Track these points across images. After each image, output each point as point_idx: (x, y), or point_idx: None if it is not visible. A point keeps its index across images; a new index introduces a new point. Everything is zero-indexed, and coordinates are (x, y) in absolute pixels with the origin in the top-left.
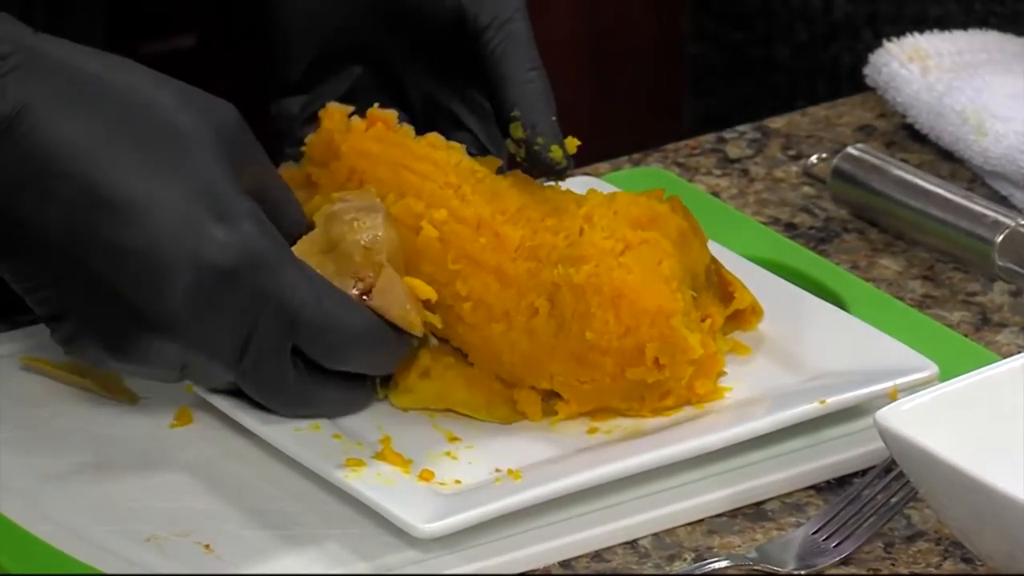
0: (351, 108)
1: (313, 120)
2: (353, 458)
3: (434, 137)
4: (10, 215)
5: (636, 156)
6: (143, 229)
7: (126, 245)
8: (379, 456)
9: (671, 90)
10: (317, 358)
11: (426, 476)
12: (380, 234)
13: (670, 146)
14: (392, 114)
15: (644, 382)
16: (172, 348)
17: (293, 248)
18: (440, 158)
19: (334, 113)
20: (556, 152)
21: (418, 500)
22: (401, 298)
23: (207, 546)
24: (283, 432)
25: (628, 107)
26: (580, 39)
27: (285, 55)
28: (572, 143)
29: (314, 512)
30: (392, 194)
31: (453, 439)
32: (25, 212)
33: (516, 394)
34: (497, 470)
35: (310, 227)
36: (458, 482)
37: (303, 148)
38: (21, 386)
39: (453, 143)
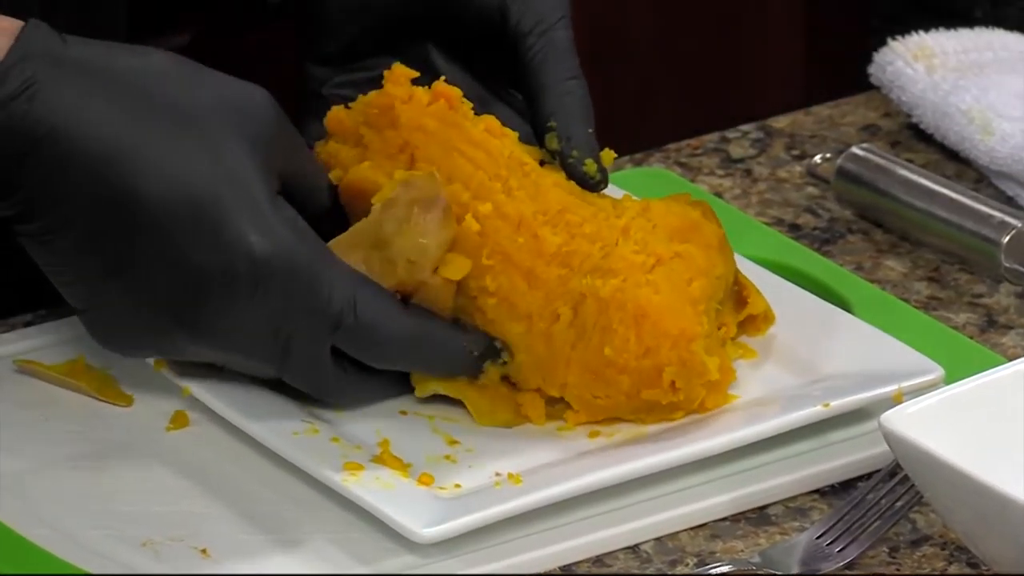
0: (416, 74)
1: (344, 88)
2: (351, 462)
3: (491, 121)
4: (47, 225)
5: (638, 156)
6: (177, 242)
7: (161, 256)
8: (377, 460)
9: (671, 89)
10: (362, 360)
11: (425, 480)
12: (429, 242)
13: (672, 146)
14: (457, 92)
15: (658, 402)
16: (209, 352)
17: (344, 235)
18: (494, 147)
19: (400, 76)
20: (590, 166)
21: (417, 504)
22: (439, 307)
23: (203, 550)
24: (281, 435)
25: (629, 106)
26: (580, 39)
27: (322, 30)
28: (608, 156)
29: (312, 516)
30: (440, 177)
31: (452, 442)
32: (62, 222)
33: (520, 397)
34: (497, 474)
35: (334, 207)
36: (458, 486)
37: (355, 104)
38: (14, 388)
39: (507, 130)
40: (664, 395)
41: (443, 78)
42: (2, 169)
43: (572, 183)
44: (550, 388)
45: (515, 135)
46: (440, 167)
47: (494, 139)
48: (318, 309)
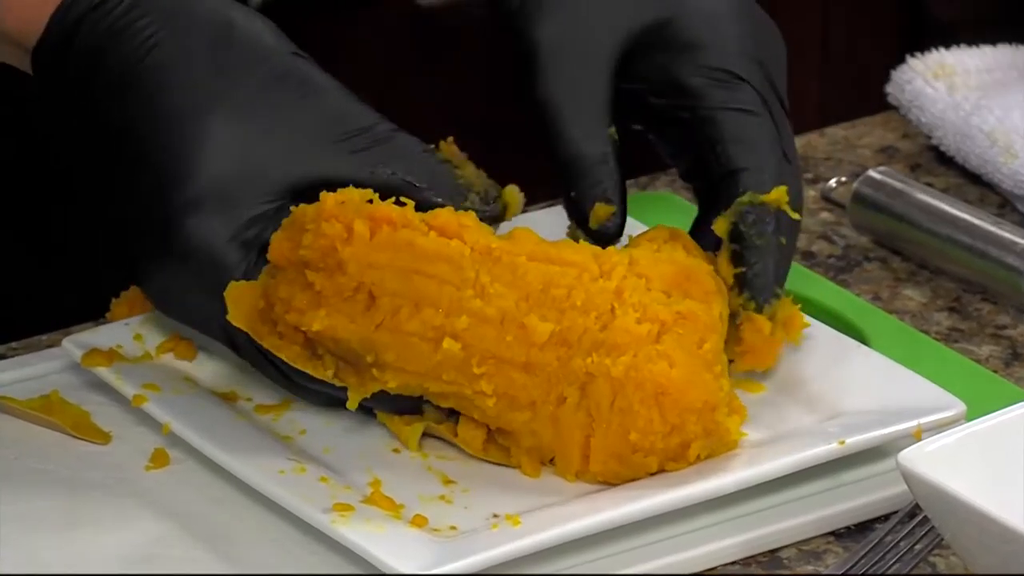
0: (349, 196)
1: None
2: (341, 502)
3: (444, 219)
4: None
5: (643, 179)
6: (149, 168)
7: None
8: (368, 500)
9: None
10: None
11: (419, 522)
12: None
13: None
14: (395, 209)
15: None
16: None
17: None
18: (454, 251)
19: (331, 210)
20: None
21: (410, 547)
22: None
23: None
24: (266, 474)
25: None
26: None
27: None
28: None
29: (300, 560)
30: (407, 306)
31: (448, 482)
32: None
33: (513, 456)
34: (494, 515)
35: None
36: (453, 528)
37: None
38: None
39: (463, 218)
40: (689, 465)
41: (374, 197)
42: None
43: (540, 243)
44: (564, 472)
45: (472, 218)
46: (403, 297)
47: (451, 241)
48: (213, 327)
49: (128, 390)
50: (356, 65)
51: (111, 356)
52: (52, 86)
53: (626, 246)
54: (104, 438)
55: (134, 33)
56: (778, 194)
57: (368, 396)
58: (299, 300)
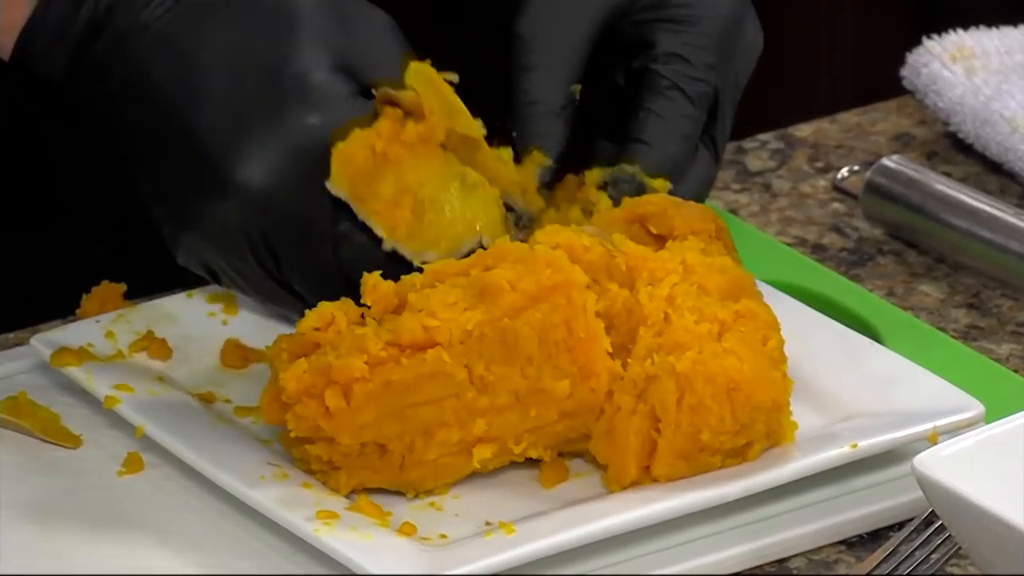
0: (312, 365)
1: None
2: (325, 509)
3: (408, 327)
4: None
5: None
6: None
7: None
8: (354, 507)
9: None
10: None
11: (407, 530)
12: None
13: None
14: (376, 335)
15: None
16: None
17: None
18: (433, 367)
19: (296, 392)
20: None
21: (398, 557)
22: None
23: None
24: (246, 480)
25: None
26: None
27: None
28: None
29: (281, 571)
30: (419, 439)
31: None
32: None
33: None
34: (487, 523)
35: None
36: (443, 536)
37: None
38: None
39: (426, 298)
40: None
41: (353, 328)
42: None
43: (520, 268)
44: (617, 481)
45: (439, 299)
46: (410, 433)
47: (426, 356)
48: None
49: (100, 391)
50: None
51: (81, 355)
52: None
53: (667, 238)
54: (74, 442)
55: None
56: (659, 185)
57: None
58: (317, 463)
